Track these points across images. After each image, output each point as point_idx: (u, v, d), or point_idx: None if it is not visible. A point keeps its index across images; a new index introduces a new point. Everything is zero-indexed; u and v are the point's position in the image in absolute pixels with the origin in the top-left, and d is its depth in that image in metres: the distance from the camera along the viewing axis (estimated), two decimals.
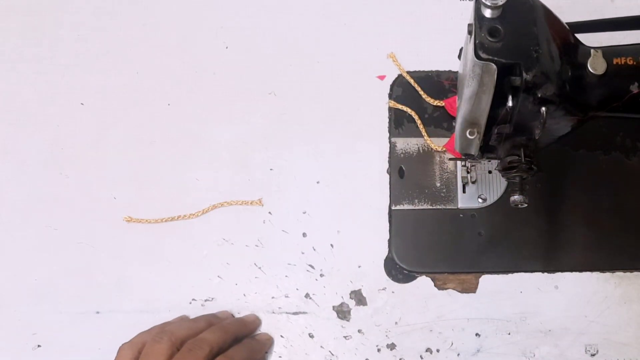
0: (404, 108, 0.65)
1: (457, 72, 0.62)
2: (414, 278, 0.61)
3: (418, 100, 0.65)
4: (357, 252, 0.61)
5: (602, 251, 0.60)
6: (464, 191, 0.63)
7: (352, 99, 0.66)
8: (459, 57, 0.55)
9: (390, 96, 0.66)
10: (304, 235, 0.62)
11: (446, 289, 0.61)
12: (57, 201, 0.63)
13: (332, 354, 0.59)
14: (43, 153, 0.65)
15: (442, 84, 0.66)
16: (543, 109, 0.46)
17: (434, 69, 0.66)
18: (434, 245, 0.61)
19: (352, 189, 0.63)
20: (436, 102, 0.65)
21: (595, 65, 0.48)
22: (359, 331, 0.59)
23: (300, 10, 0.69)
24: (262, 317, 0.60)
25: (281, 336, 0.59)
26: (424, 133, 0.64)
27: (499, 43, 0.44)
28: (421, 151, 0.64)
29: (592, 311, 0.59)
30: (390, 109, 0.66)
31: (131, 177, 0.64)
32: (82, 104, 0.67)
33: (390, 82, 0.66)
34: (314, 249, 0.62)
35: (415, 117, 0.64)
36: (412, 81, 0.66)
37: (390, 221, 0.62)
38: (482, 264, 0.60)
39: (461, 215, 0.62)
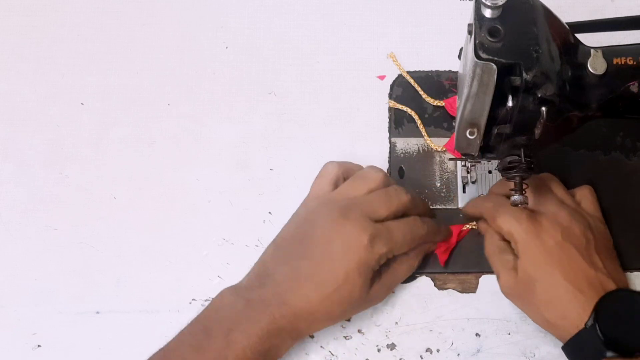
0: (404, 108, 0.65)
1: (457, 72, 0.63)
2: (414, 278, 0.61)
3: (418, 100, 0.65)
4: None
5: None
6: (464, 191, 0.63)
7: (352, 99, 0.66)
8: (459, 57, 0.55)
9: (390, 96, 0.66)
10: None
11: (446, 289, 0.61)
12: (57, 201, 0.63)
13: (332, 354, 0.59)
14: (43, 153, 0.65)
15: (442, 84, 0.66)
16: (543, 109, 0.46)
17: (434, 69, 0.66)
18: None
19: None
20: (436, 102, 0.65)
21: (595, 65, 0.48)
22: (359, 331, 0.59)
23: (300, 10, 0.69)
24: None
25: None
26: (424, 133, 0.64)
27: (499, 43, 0.44)
28: (421, 151, 0.64)
29: None
30: (390, 109, 0.66)
31: (131, 177, 0.64)
32: (82, 103, 0.67)
33: (390, 82, 0.66)
34: None
35: (415, 117, 0.64)
36: (412, 81, 0.66)
37: None
38: (482, 264, 0.59)
39: (461, 216, 0.62)
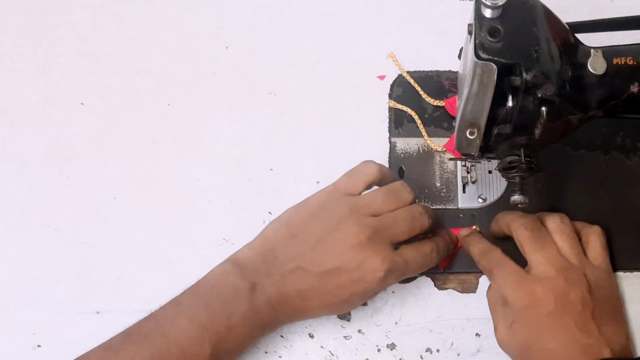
0: (404, 108, 0.65)
1: (457, 72, 0.63)
2: (414, 278, 0.61)
3: (418, 100, 0.65)
4: None
5: None
6: (464, 191, 0.63)
7: (352, 99, 0.66)
8: (459, 57, 0.55)
9: (390, 96, 0.66)
10: None
11: (446, 289, 0.61)
12: (57, 201, 0.63)
13: (332, 354, 0.59)
14: (43, 153, 0.65)
15: (442, 84, 0.66)
16: (543, 109, 0.46)
17: (434, 69, 0.66)
18: None
19: None
20: (436, 102, 0.65)
21: (595, 65, 0.48)
22: (359, 331, 0.59)
23: (300, 10, 0.69)
24: None
25: (281, 336, 0.59)
26: (424, 133, 0.64)
27: (499, 43, 0.44)
28: (421, 151, 0.64)
29: None
30: (390, 108, 0.66)
31: (131, 177, 0.64)
32: (82, 103, 0.67)
33: (390, 82, 0.66)
34: None
35: (415, 117, 0.64)
36: (412, 81, 0.66)
37: None
38: None
39: (461, 215, 0.62)
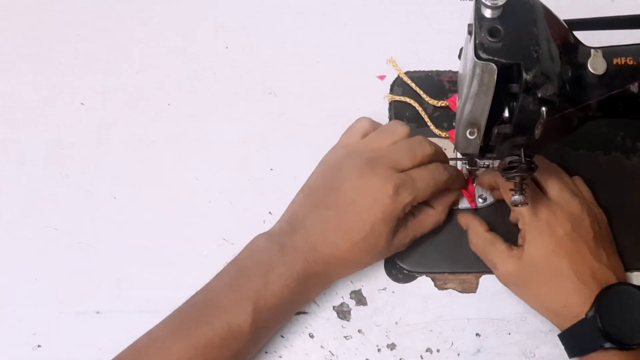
0: (403, 99, 0.65)
1: (457, 72, 0.62)
2: (414, 278, 0.61)
3: (419, 100, 0.65)
4: None
5: None
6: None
7: (352, 99, 0.66)
8: (459, 57, 0.55)
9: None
10: None
11: (446, 289, 0.61)
12: (57, 201, 0.63)
13: (333, 354, 0.59)
14: (43, 153, 0.65)
15: (442, 83, 0.66)
16: (543, 109, 0.46)
17: (434, 69, 0.66)
18: (434, 245, 0.61)
19: None
20: (440, 103, 0.65)
21: (595, 65, 0.48)
22: (359, 331, 0.59)
23: (300, 10, 0.69)
24: None
25: (281, 336, 0.59)
26: (427, 120, 0.64)
27: (499, 43, 0.44)
28: None
29: None
30: (390, 108, 0.66)
31: (131, 177, 0.64)
32: (82, 103, 0.67)
33: (391, 82, 0.66)
34: None
35: (416, 105, 0.65)
36: (413, 85, 0.66)
37: None
38: (482, 264, 0.59)
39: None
